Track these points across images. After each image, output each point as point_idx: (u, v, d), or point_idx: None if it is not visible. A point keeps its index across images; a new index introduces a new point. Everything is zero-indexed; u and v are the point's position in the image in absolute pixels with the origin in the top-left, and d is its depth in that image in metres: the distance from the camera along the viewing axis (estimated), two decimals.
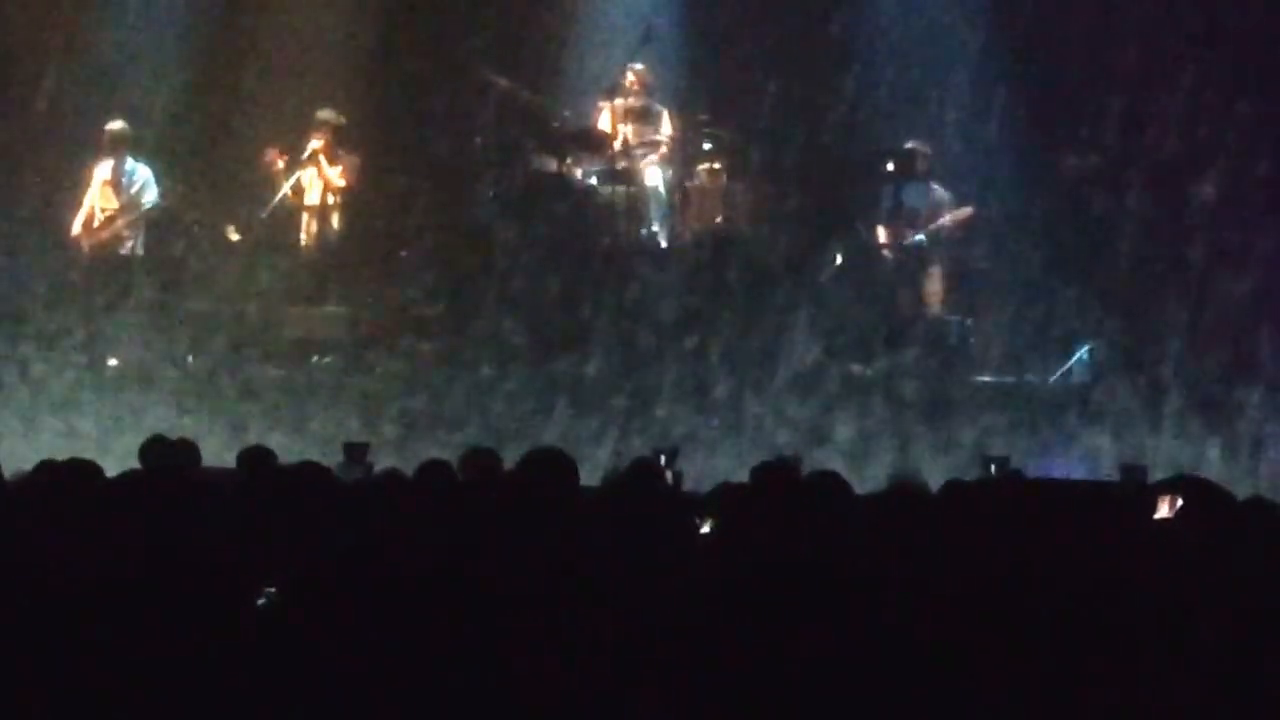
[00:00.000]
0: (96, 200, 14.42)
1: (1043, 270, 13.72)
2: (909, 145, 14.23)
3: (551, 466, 5.87)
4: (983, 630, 4.69)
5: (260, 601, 4.84)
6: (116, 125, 14.37)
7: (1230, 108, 13.69)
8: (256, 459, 7.56)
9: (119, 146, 14.38)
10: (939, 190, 14.22)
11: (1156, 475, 10.21)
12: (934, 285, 14.09)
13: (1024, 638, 4.66)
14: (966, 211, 14.12)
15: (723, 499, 5.87)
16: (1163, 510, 6.75)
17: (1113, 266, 13.65)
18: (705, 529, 5.95)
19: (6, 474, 6.39)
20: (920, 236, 14.13)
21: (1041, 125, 14.07)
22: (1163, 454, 12.03)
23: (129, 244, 14.45)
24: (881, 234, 14.23)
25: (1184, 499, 5.98)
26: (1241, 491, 6.42)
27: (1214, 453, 12.17)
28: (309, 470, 5.79)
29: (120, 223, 14.40)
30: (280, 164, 14.37)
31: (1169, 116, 13.75)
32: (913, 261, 14.11)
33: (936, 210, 14.17)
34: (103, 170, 14.42)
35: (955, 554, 5.20)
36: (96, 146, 14.42)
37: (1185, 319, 13.16)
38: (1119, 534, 5.47)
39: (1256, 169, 13.82)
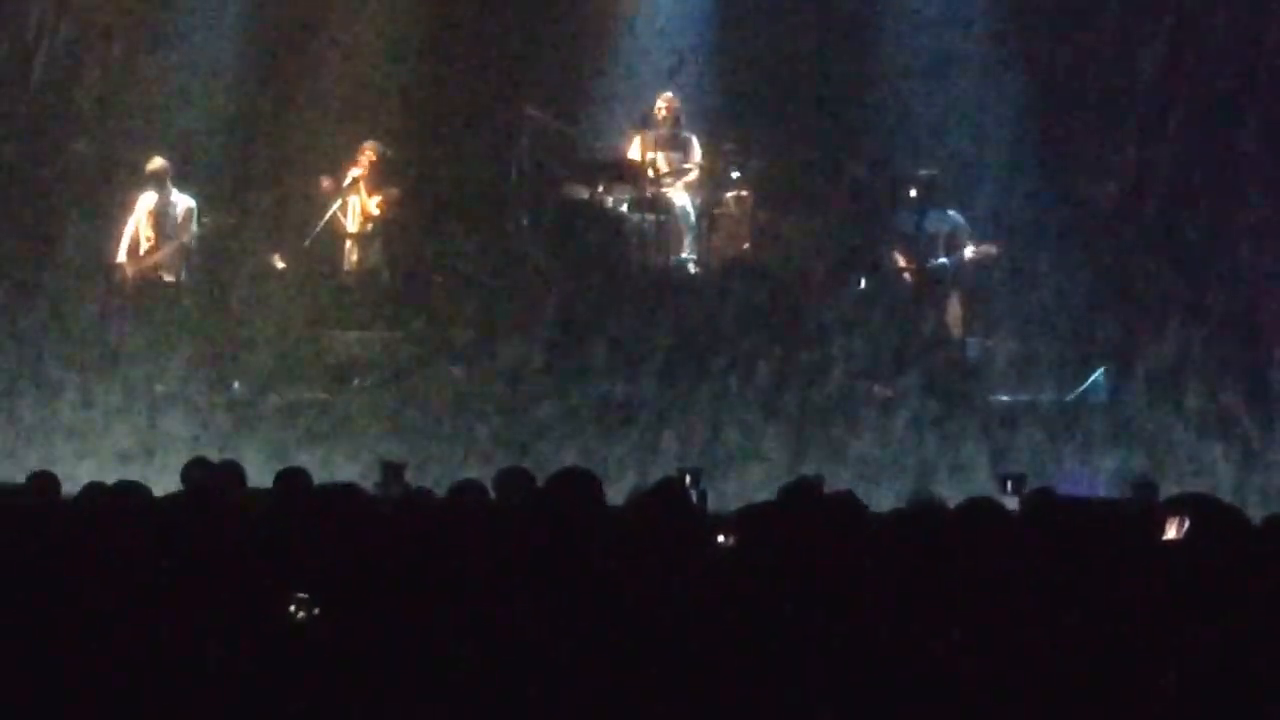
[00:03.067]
0: (141, 230, 14.53)
1: (1060, 292, 13.77)
2: (930, 172, 14.33)
3: (577, 485, 5.94)
4: (996, 647, 4.79)
5: (293, 612, 4.97)
6: (157, 163, 14.49)
7: (1247, 132, 13.80)
8: (291, 479, 7.74)
9: (161, 181, 14.53)
10: (958, 216, 14.30)
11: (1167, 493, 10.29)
12: (954, 307, 14.12)
13: (1039, 655, 4.74)
14: (992, 251, 14.15)
15: (745, 518, 5.86)
16: (1170, 528, 6.86)
17: (1129, 288, 13.73)
18: (724, 543, 6.08)
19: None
20: (943, 260, 14.24)
21: (1061, 148, 14.15)
22: (1175, 472, 12.13)
23: (172, 272, 14.61)
24: (904, 259, 14.26)
25: (1191, 516, 6.04)
26: (1254, 510, 6.52)
27: (1227, 472, 12.29)
28: (342, 489, 5.93)
29: (163, 252, 14.52)
30: (331, 189, 14.58)
31: (1186, 139, 13.85)
32: (934, 285, 14.17)
33: (958, 235, 14.22)
34: (146, 201, 14.52)
35: (971, 572, 5.22)
36: (140, 180, 14.57)
37: (1201, 340, 13.27)
38: (1128, 551, 5.50)
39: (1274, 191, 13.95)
